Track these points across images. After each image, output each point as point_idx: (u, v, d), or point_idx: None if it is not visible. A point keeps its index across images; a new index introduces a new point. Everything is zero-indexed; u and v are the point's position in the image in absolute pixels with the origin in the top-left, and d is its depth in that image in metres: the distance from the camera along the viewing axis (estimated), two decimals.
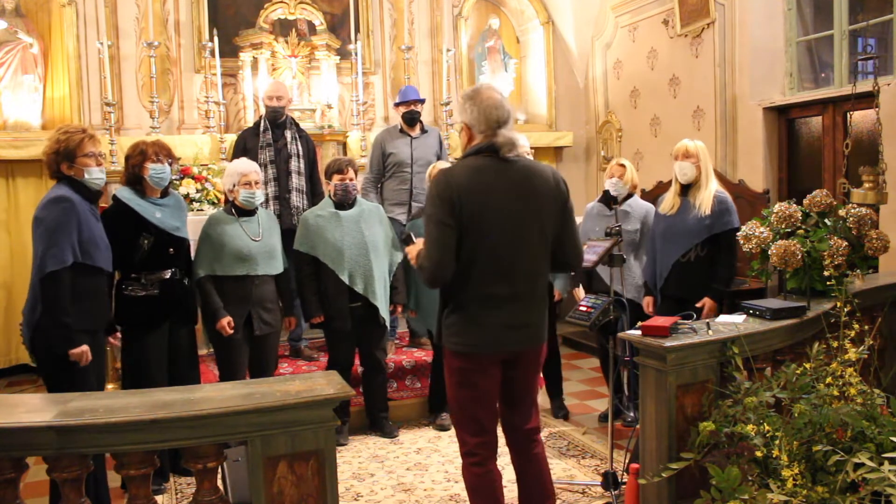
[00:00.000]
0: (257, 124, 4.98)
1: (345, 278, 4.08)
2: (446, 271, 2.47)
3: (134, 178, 3.47)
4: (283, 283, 4.05)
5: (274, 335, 4.00)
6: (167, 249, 3.49)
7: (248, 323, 3.86)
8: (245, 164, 3.94)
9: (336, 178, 4.16)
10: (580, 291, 4.40)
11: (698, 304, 3.79)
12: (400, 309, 4.40)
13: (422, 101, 5.23)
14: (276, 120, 4.91)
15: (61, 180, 3.07)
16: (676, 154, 3.88)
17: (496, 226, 2.47)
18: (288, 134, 4.91)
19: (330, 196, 4.23)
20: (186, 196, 5.31)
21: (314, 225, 4.14)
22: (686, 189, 3.89)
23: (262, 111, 5.15)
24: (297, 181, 4.87)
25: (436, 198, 2.47)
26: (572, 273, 4.34)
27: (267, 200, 4.80)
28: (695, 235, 3.81)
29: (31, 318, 2.98)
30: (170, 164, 3.51)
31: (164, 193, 3.56)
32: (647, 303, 4.12)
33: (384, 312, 4.20)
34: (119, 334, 3.45)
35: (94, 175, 3.08)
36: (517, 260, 2.51)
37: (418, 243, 2.63)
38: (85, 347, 2.99)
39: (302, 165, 4.91)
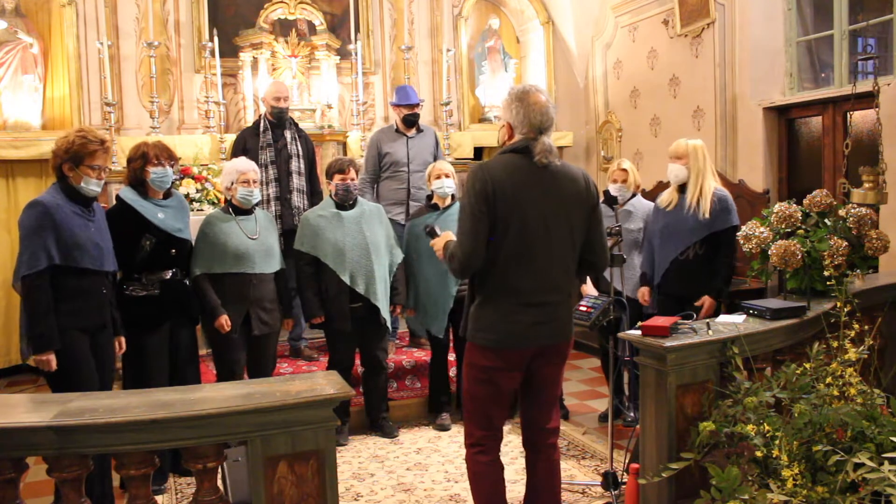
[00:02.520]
0: (257, 124, 4.98)
1: (346, 279, 4.08)
2: (477, 260, 2.53)
3: (136, 179, 3.49)
4: (281, 283, 4.05)
5: (272, 335, 4.00)
6: (169, 250, 3.50)
7: (247, 322, 3.86)
8: (243, 163, 3.95)
9: (337, 178, 4.15)
10: (588, 287, 4.40)
11: (697, 304, 3.79)
12: (399, 309, 4.40)
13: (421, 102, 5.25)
14: (280, 120, 4.91)
15: (58, 179, 3.09)
16: (669, 155, 3.92)
17: (527, 223, 2.51)
18: (288, 134, 4.91)
19: (331, 196, 4.23)
20: (186, 196, 5.31)
21: (315, 225, 4.14)
22: (683, 187, 3.91)
23: (262, 111, 5.14)
24: (297, 181, 4.87)
25: (472, 189, 2.51)
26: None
27: (268, 201, 4.80)
28: (693, 234, 3.82)
29: (24, 321, 2.99)
30: (171, 166, 3.52)
31: (167, 194, 3.58)
32: (643, 293, 4.10)
33: (385, 313, 4.19)
34: (122, 339, 3.43)
35: (91, 186, 3.09)
36: (546, 257, 2.54)
37: (444, 236, 2.69)
38: (51, 356, 2.95)
39: (302, 165, 4.92)
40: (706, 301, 3.80)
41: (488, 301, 2.58)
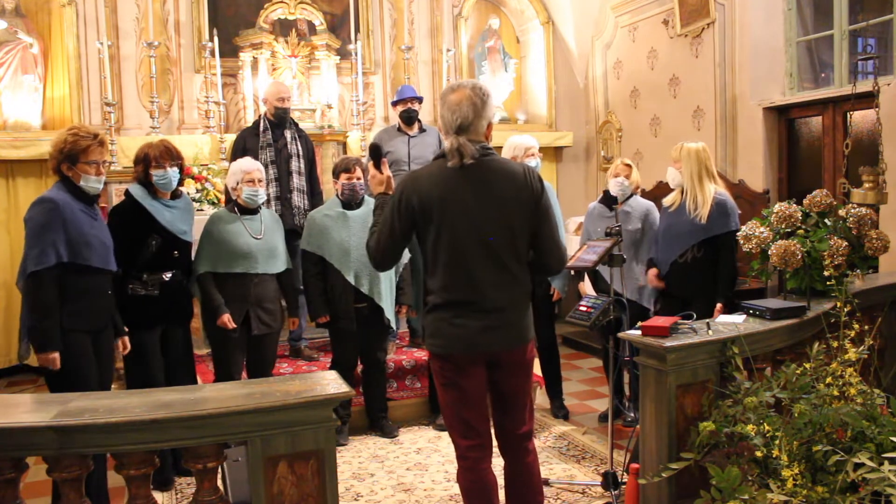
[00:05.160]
0: (256, 124, 4.97)
1: (351, 278, 4.08)
2: (388, 263, 2.59)
3: (143, 178, 3.49)
4: (287, 283, 4.05)
5: (272, 335, 3.99)
6: (172, 252, 3.50)
7: (247, 322, 3.86)
8: (248, 163, 3.95)
9: (343, 178, 4.14)
10: (585, 286, 4.39)
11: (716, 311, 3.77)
12: (405, 309, 4.39)
13: (419, 100, 5.23)
14: (281, 120, 4.91)
15: (60, 179, 3.07)
16: (671, 158, 3.95)
17: (458, 229, 2.46)
18: (288, 134, 4.91)
19: (337, 195, 4.22)
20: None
21: (321, 224, 4.14)
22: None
23: (262, 111, 5.14)
24: (297, 181, 4.87)
25: (394, 199, 2.52)
26: (572, 273, 4.35)
27: (268, 200, 4.80)
28: (691, 237, 3.82)
29: (26, 320, 2.98)
30: (174, 167, 3.49)
31: (175, 195, 3.57)
32: (654, 274, 4.04)
33: (389, 313, 4.19)
34: (126, 339, 3.41)
35: (91, 183, 3.07)
36: (484, 262, 2.48)
37: (384, 176, 2.65)
38: (55, 355, 2.93)
39: (302, 165, 4.92)
40: (718, 307, 3.77)
41: (435, 308, 2.55)
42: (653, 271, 4.08)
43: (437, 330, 2.55)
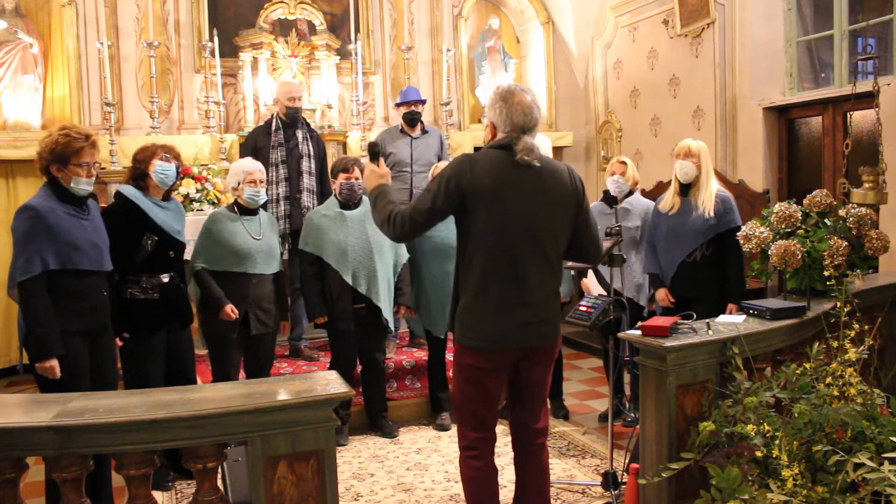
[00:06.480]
0: (268, 123, 4.97)
1: (348, 279, 4.08)
2: (410, 235, 2.58)
3: (139, 174, 3.45)
4: (280, 285, 4.05)
5: (270, 335, 4.00)
6: (168, 252, 3.48)
7: (245, 323, 3.86)
8: (250, 163, 3.96)
9: (342, 177, 4.14)
10: (589, 283, 4.38)
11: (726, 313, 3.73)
12: (404, 310, 4.39)
13: (423, 102, 5.23)
14: (293, 120, 4.90)
15: (48, 181, 3.02)
16: (678, 153, 3.87)
17: (509, 221, 2.49)
18: (299, 134, 4.91)
19: (335, 195, 4.22)
20: (186, 196, 5.31)
21: (319, 225, 4.13)
22: (686, 189, 3.88)
23: (264, 111, 5.14)
24: (308, 181, 4.87)
25: (445, 178, 2.50)
26: (573, 274, 4.35)
27: (277, 200, 4.80)
28: (700, 235, 3.79)
29: (21, 323, 2.97)
30: (176, 167, 3.50)
31: (167, 198, 3.55)
32: (663, 294, 3.96)
33: (387, 314, 4.19)
34: (125, 335, 3.41)
35: (81, 185, 3.00)
36: (529, 257, 2.52)
37: (380, 172, 2.64)
38: (53, 363, 2.89)
39: (313, 165, 4.92)
40: (731, 308, 3.74)
41: (473, 301, 2.55)
42: (662, 291, 3.97)
43: (474, 324, 2.55)
